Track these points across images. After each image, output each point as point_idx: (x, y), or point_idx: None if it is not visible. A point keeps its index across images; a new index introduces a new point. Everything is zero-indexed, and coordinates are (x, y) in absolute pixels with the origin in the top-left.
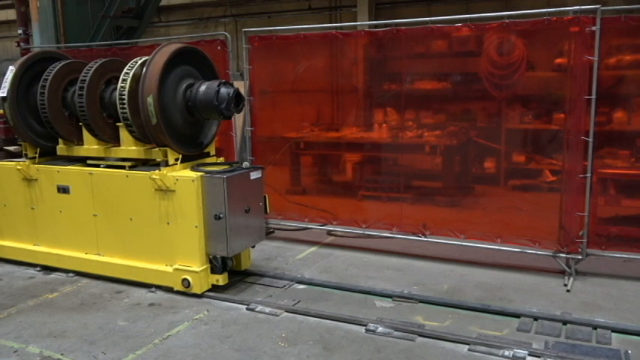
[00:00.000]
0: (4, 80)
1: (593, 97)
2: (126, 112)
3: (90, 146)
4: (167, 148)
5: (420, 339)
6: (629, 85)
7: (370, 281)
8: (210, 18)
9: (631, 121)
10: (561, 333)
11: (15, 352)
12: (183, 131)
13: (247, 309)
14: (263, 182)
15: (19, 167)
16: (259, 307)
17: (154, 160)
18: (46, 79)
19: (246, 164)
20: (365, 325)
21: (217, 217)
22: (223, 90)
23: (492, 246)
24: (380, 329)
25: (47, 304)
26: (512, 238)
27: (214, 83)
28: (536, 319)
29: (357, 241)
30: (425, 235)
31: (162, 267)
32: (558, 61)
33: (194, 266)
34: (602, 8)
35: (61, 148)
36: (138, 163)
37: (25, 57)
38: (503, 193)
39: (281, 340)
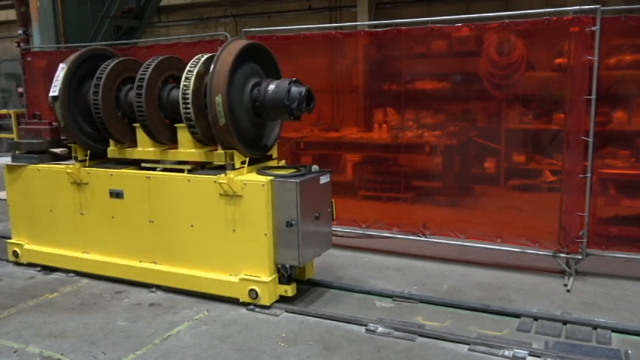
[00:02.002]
0: (55, 79)
1: (593, 97)
2: (189, 113)
3: (144, 148)
4: (234, 151)
5: (420, 339)
6: (629, 85)
7: (370, 281)
8: (211, 18)
9: (631, 121)
10: (561, 333)
11: (15, 352)
12: (249, 133)
13: (247, 309)
14: (330, 187)
15: (68, 170)
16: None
17: (211, 163)
18: (100, 78)
19: (315, 168)
20: (365, 325)
21: (289, 224)
22: (294, 89)
23: (492, 246)
24: (380, 329)
25: (47, 304)
26: (512, 238)
27: (284, 82)
28: (536, 319)
29: (357, 241)
30: (425, 235)
31: (225, 277)
32: (558, 61)
33: (262, 276)
34: (602, 8)
35: (112, 151)
36: (196, 167)
37: (76, 54)
38: (504, 193)
39: (281, 340)
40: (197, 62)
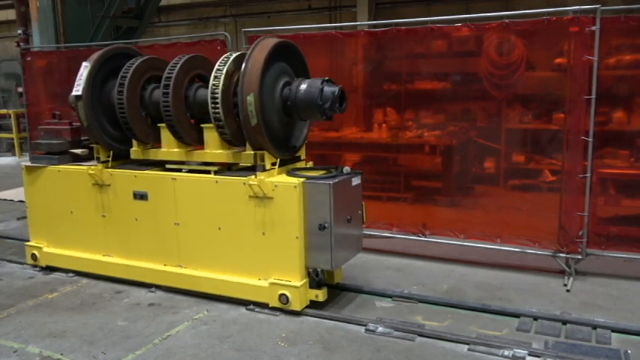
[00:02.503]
0: (78, 78)
1: (593, 97)
2: (219, 113)
3: (169, 149)
4: (264, 152)
5: (419, 339)
6: (629, 85)
7: (370, 281)
8: (210, 18)
9: (631, 121)
10: (561, 333)
11: (15, 352)
12: (278, 133)
13: (247, 309)
14: (361, 189)
15: (91, 172)
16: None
17: (237, 164)
18: (125, 77)
19: (347, 169)
20: (365, 325)
21: (322, 227)
22: (327, 88)
23: (492, 246)
24: (380, 329)
25: (47, 304)
26: (512, 238)
27: (317, 81)
28: (535, 318)
29: None
30: (425, 235)
31: (254, 281)
32: (558, 61)
33: (293, 280)
34: (601, 8)
35: (135, 151)
36: (222, 168)
37: (99, 53)
38: (503, 193)
39: (281, 340)
40: (226, 61)
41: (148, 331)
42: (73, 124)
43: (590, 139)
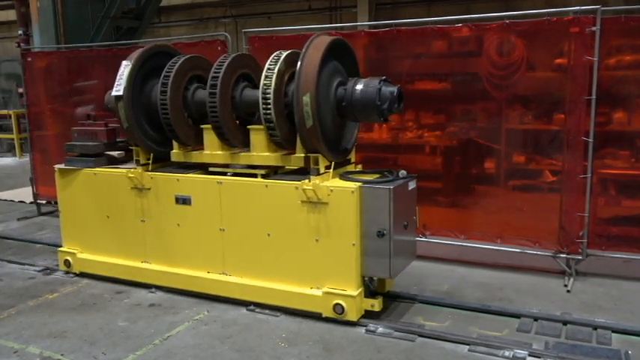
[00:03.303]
0: (119, 77)
1: (593, 97)
2: (270, 114)
3: (212, 151)
4: (318, 155)
5: (420, 339)
6: (630, 86)
7: None
8: (211, 18)
9: (631, 121)
10: (561, 333)
11: (15, 352)
12: (331, 135)
13: (247, 309)
14: (416, 193)
15: (130, 175)
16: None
17: (283, 167)
18: (168, 76)
19: (403, 173)
20: (365, 326)
21: (380, 234)
22: (386, 88)
23: (492, 246)
24: (380, 329)
25: (47, 304)
26: (512, 238)
27: (374, 81)
28: (536, 319)
29: None
30: (425, 235)
31: (306, 290)
32: (558, 61)
33: (349, 290)
34: (602, 9)
35: (176, 154)
36: (269, 171)
37: (140, 51)
38: (504, 193)
39: (281, 340)
40: (277, 59)
41: (149, 331)
42: (109, 125)
43: (591, 140)
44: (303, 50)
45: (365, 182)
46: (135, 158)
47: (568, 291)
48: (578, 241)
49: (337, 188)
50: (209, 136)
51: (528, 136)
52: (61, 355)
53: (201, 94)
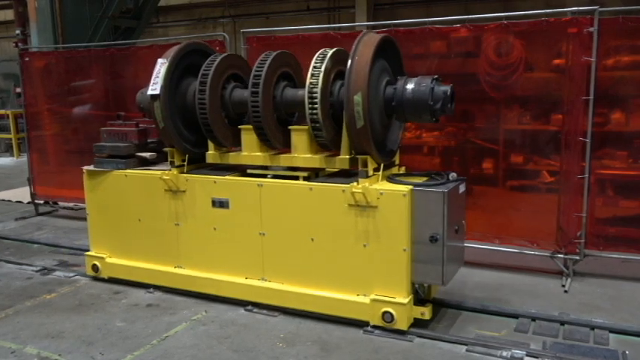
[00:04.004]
0: (155, 75)
1: (591, 98)
2: (317, 114)
3: (251, 153)
4: (367, 157)
5: (417, 339)
6: (627, 86)
7: None
8: (209, 19)
9: (629, 122)
10: (559, 333)
11: (12, 352)
12: (379, 136)
13: (245, 310)
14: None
15: (165, 177)
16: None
17: (324, 169)
18: (206, 75)
19: (453, 175)
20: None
21: (433, 239)
22: (439, 88)
23: (491, 246)
24: (377, 330)
25: (45, 304)
26: (510, 238)
27: (425, 80)
28: (534, 319)
29: None
30: None
31: (352, 297)
32: (556, 62)
33: (399, 297)
34: (600, 9)
35: (212, 155)
36: (311, 174)
37: (176, 49)
38: (502, 193)
39: (279, 340)
40: (323, 57)
41: (147, 331)
42: (140, 125)
43: (588, 140)
44: (353, 48)
45: (416, 185)
46: (169, 160)
47: (566, 291)
48: (576, 242)
49: (388, 191)
50: (247, 137)
51: (526, 137)
52: (59, 355)
53: (238, 94)
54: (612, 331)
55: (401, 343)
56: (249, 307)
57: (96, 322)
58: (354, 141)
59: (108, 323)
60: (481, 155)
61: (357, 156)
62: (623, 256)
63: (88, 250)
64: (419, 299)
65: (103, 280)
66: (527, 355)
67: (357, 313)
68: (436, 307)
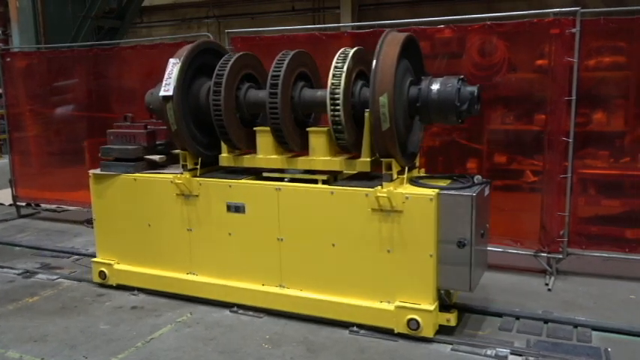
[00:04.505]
0: (167, 76)
1: (574, 98)
2: (339, 116)
3: (267, 155)
4: (392, 160)
5: (402, 340)
6: (609, 87)
7: None
8: (193, 19)
9: (610, 122)
10: (543, 332)
11: None
12: (401, 138)
13: (230, 311)
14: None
15: (178, 181)
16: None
17: (341, 172)
18: (221, 75)
19: (478, 178)
20: (349, 326)
21: (461, 244)
22: (465, 88)
23: None
24: (363, 330)
25: (27, 308)
26: (494, 238)
27: (452, 80)
28: (518, 318)
29: None
30: None
31: (375, 304)
32: (539, 62)
33: (424, 304)
34: (582, 10)
35: (225, 158)
36: (330, 177)
37: (189, 49)
38: None
39: (265, 341)
40: (345, 57)
41: (131, 334)
42: (148, 127)
43: (571, 140)
44: (378, 47)
45: (442, 189)
46: (182, 163)
47: (549, 290)
48: (559, 241)
49: (413, 195)
50: (263, 139)
51: (510, 137)
52: (42, 359)
53: (253, 94)
54: (595, 328)
55: (387, 343)
56: (235, 309)
57: (79, 324)
58: (379, 143)
59: (92, 326)
60: (465, 155)
61: (381, 159)
62: (605, 255)
63: (70, 253)
64: (443, 305)
65: (102, 285)
66: (511, 354)
67: (381, 321)
68: None
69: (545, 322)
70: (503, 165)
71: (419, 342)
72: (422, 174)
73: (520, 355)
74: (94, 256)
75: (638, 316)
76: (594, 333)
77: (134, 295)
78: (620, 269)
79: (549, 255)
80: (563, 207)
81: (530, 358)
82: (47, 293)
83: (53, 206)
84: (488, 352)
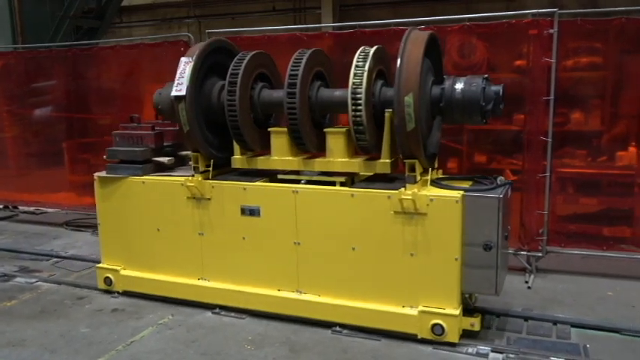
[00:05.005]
0: (179, 75)
1: (552, 98)
2: (361, 116)
3: (282, 157)
4: (415, 161)
5: (385, 339)
6: (586, 87)
7: None
8: (174, 19)
9: (588, 121)
10: (523, 329)
11: None
12: (424, 139)
13: (212, 313)
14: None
15: (189, 183)
16: None
17: (358, 174)
18: (236, 74)
19: (502, 179)
20: (331, 327)
21: (487, 247)
22: (490, 88)
23: None
24: (346, 330)
25: (5, 312)
26: None
27: (476, 79)
28: (498, 315)
29: None
30: None
31: (398, 309)
32: (518, 63)
33: (449, 308)
34: (559, 11)
35: (238, 160)
36: (348, 179)
37: (201, 47)
38: None
39: (247, 342)
40: (365, 56)
41: (112, 337)
42: (156, 128)
43: (550, 140)
44: (402, 46)
45: (466, 190)
46: (193, 165)
47: (529, 287)
48: (538, 239)
49: (438, 198)
50: (278, 140)
51: (490, 137)
52: None
53: (267, 94)
54: (574, 325)
55: (369, 343)
56: (217, 310)
57: (59, 328)
58: (403, 144)
59: (72, 329)
60: (446, 155)
61: (405, 160)
62: (583, 252)
63: (50, 255)
64: (466, 309)
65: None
66: (492, 351)
67: (404, 326)
68: None
69: (525, 319)
70: (483, 164)
71: (401, 340)
72: (440, 175)
73: (501, 353)
74: (74, 259)
75: (615, 312)
76: (573, 330)
77: (115, 297)
78: (598, 266)
79: (529, 253)
80: (543, 205)
81: (511, 355)
82: (26, 297)
83: (31, 208)
84: (470, 349)
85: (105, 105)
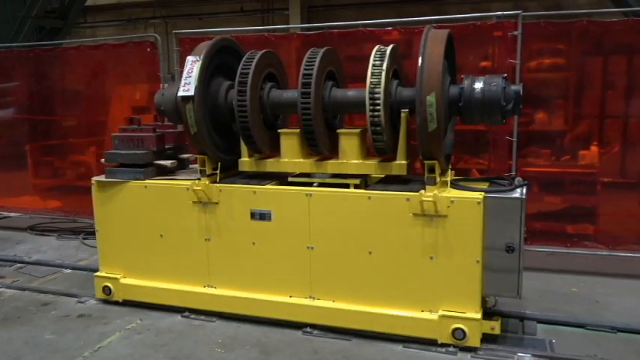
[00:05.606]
0: (186, 75)
1: None
2: (379, 117)
3: (293, 159)
4: (435, 162)
5: (355, 339)
6: (550, 88)
7: None
8: (140, 19)
9: (551, 121)
10: None
11: None
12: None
13: (182, 316)
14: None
15: (196, 187)
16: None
17: (370, 176)
18: (246, 74)
19: (519, 180)
20: (302, 328)
21: (510, 249)
22: (510, 87)
23: None
24: (316, 331)
25: None
26: None
27: (495, 79)
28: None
29: None
30: None
31: (417, 314)
32: (483, 64)
33: (470, 312)
34: (523, 14)
35: (246, 162)
36: (362, 181)
37: (208, 45)
38: None
39: (217, 346)
40: (382, 54)
41: (78, 343)
42: (157, 130)
43: (515, 139)
44: (422, 44)
45: (488, 192)
46: (199, 168)
47: None
48: None
49: (459, 199)
50: (288, 142)
51: (457, 137)
52: None
53: (277, 94)
54: (540, 321)
55: (340, 342)
56: (186, 314)
57: (23, 335)
58: (424, 145)
59: (36, 336)
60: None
61: (424, 161)
62: (549, 249)
63: (13, 261)
64: (486, 312)
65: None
66: (460, 350)
67: (425, 331)
68: None
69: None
70: (451, 165)
71: (371, 340)
72: (453, 177)
73: (470, 351)
74: (39, 264)
75: (580, 308)
76: (539, 325)
77: (81, 302)
78: (563, 263)
79: None
80: None
81: (480, 352)
82: None
83: None
84: (440, 347)
85: (69, 106)
